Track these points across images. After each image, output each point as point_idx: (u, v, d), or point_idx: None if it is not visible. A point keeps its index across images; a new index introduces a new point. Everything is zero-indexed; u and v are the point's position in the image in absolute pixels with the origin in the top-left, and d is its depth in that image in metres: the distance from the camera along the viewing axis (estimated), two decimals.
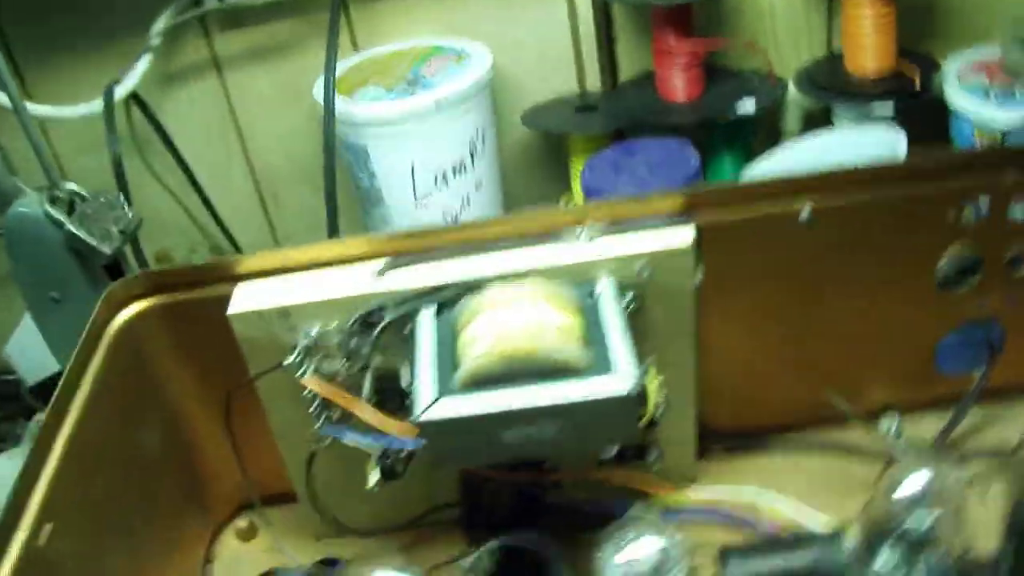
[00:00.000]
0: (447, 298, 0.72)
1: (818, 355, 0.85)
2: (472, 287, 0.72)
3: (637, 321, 0.74)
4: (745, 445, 0.89)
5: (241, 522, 0.90)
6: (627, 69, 1.22)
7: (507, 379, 0.65)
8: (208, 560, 0.88)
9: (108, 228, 0.97)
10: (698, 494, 0.82)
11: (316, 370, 0.74)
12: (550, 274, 0.72)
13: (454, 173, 1.07)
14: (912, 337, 0.85)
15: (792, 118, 1.24)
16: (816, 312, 0.83)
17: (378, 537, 0.85)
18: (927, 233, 0.79)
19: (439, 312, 0.72)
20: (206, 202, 1.28)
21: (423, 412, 0.65)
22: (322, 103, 1.04)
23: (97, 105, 1.13)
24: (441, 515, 0.84)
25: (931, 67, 1.14)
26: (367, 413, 0.71)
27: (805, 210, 0.76)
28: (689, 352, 0.79)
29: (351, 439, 0.72)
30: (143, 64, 1.14)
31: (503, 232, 0.75)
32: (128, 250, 1.04)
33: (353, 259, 0.77)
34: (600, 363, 0.66)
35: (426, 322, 0.71)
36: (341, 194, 1.05)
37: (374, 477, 0.72)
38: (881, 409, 0.89)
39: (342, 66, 1.13)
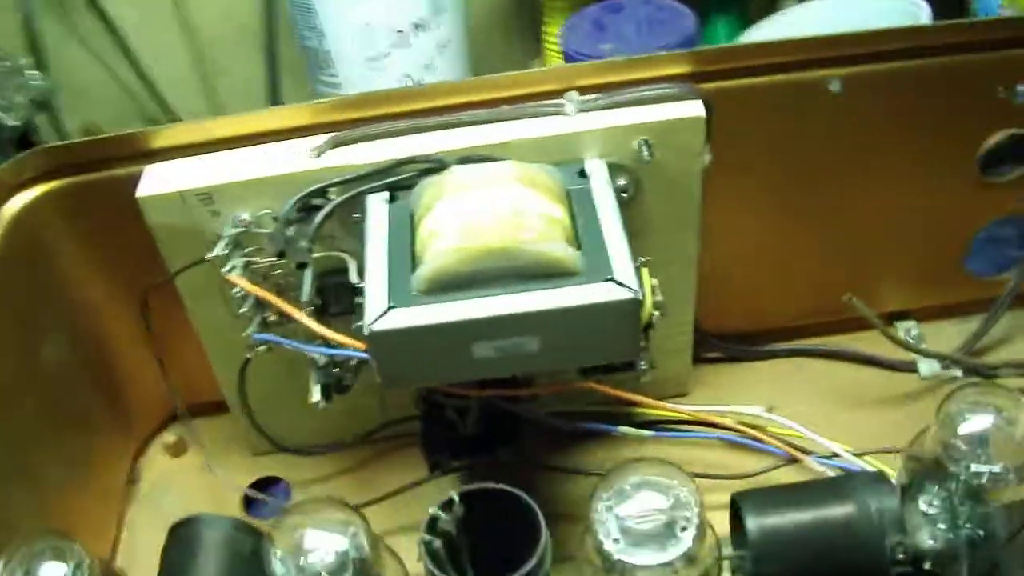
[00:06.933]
0: (404, 180, 0.60)
1: (834, 249, 0.76)
2: (433, 167, 0.59)
3: (631, 211, 0.63)
4: (746, 352, 0.79)
5: (169, 436, 0.78)
6: None
7: (477, 281, 0.53)
8: (132, 480, 0.76)
9: (12, 97, 0.85)
10: (695, 409, 0.71)
11: (247, 265, 0.62)
12: (528, 152, 0.60)
13: (414, 31, 0.94)
14: (942, 231, 0.76)
15: None
16: (836, 199, 0.73)
17: (324, 455, 0.75)
18: (973, 111, 0.69)
19: (393, 198, 0.60)
20: (137, 68, 1.14)
21: (374, 321, 0.53)
22: None
23: None
24: (397, 429, 0.73)
25: None
26: (307, 321, 0.59)
27: (836, 80, 0.64)
28: (691, 248, 0.68)
29: (291, 346, 0.61)
30: None
31: (472, 100, 0.64)
32: (45, 123, 0.91)
33: (291, 132, 0.64)
34: (591, 263, 0.54)
35: (378, 209, 0.59)
36: (286, 59, 0.92)
37: (317, 393, 0.61)
38: (898, 315, 0.80)
39: None
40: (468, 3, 1.05)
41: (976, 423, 0.54)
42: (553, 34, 0.99)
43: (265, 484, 0.75)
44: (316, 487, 0.74)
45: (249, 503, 0.74)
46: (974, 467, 0.54)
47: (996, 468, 0.54)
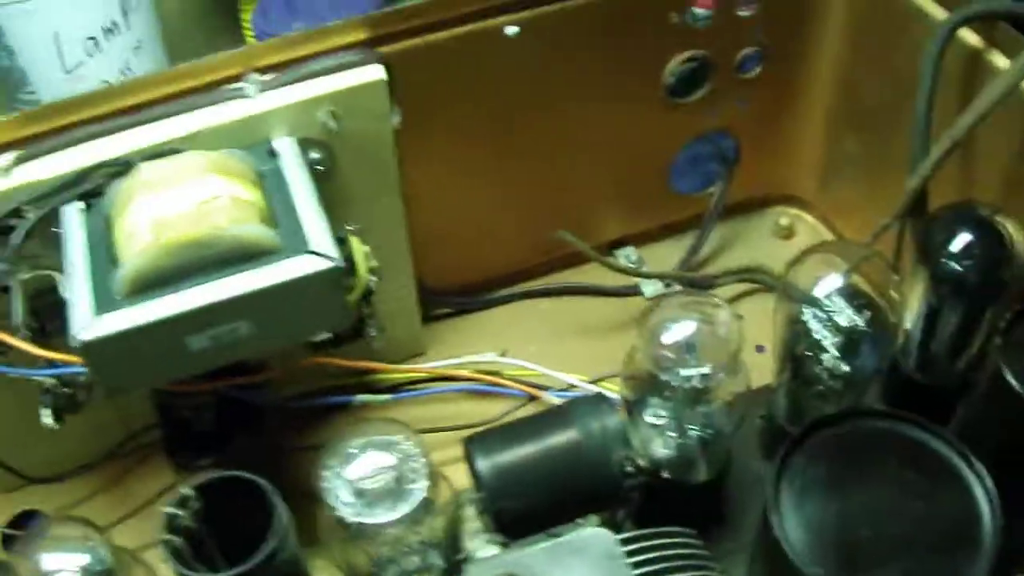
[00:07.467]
0: (97, 187, 0.59)
1: (543, 190, 0.77)
2: (121, 169, 0.58)
3: (331, 183, 0.63)
4: (475, 303, 0.81)
5: None
6: None
7: (181, 274, 0.53)
8: None
9: None
10: (432, 367, 0.73)
11: None
12: (216, 140, 0.59)
13: (105, 35, 0.91)
14: (644, 157, 0.79)
15: None
16: (537, 141, 0.74)
17: (75, 478, 0.72)
18: (651, 39, 0.72)
19: (89, 205, 0.59)
20: None
21: (80, 332, 0.52)
22: None
23: None
24: (143, 439, 0.72)
25: None
26: (20, 344, 0.57)
27: (512, 25, 0.66)
28: (396, 210, 0.69)
29: (7, 371, 0.59)
30: None
31: (156, 96, 0.62)
32: None
33: None
34: (290, 239, 0.55)
35: (74, 219, 0.58)
36: None
37: (48, 416, 0.60)
38: (616, 243, 0.83)
39: None
40: (161, 2, 1.02)
41: (676, 331, 0.57)
42: (249, 20, 0.97)
43: (23, 518, 0.72)
44: (73, 512, 0.71)
45: (7, 540, 0.71)
46: (684, 372, 0.56)
47: (705, 369, 0.57)
